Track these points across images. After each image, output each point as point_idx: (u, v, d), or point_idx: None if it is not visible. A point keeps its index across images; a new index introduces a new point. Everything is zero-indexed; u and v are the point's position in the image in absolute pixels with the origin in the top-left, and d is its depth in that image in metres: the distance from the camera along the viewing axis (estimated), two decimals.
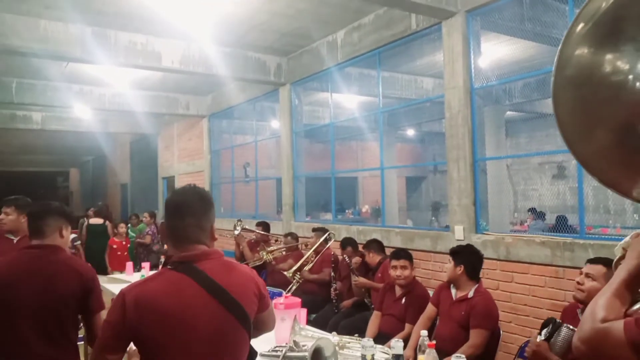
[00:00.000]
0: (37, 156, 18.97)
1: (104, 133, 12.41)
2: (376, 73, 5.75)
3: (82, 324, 2.31)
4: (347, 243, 4.97)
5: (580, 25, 0.96)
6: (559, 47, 0.99)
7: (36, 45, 5.24)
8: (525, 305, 3.88)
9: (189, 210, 1.65)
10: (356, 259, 4.67)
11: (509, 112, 8.70)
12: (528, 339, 3.28)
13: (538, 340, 2.48)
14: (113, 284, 4.86)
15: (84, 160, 21.10)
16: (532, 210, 9.33)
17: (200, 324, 1.56)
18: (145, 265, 5.60)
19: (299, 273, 4.46)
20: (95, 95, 8.46)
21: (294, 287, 4.25)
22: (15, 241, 3.53)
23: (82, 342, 2.30)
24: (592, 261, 2.74)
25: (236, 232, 5.88)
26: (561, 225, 5.86)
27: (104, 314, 2.04)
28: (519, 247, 3.94)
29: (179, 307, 1.54)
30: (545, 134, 10.69)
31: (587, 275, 2.68)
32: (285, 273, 4.60)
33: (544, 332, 2.50)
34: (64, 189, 24.53)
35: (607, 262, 2.66)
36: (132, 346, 1.63)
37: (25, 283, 2.14)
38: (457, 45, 4.47)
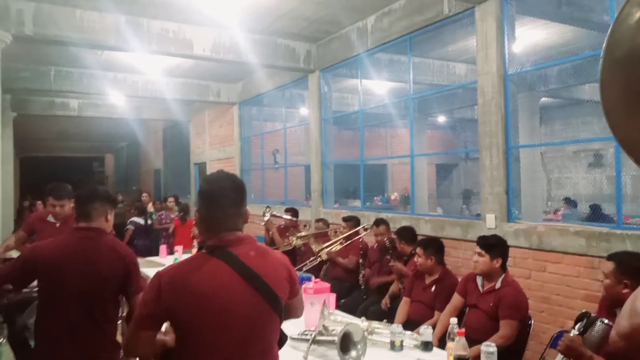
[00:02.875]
0: (74, 142, 19.54)
1: (137, 120, 12.68)
2: (407, 59, 5.67)
3: (120, 305, 2.41)
4: (381, 222, 4.98)
5: (636, 6, 0.94)
6: (610, 28, 0.96)
7: (73, 34, 5.37)
8: (558, 295, 3.82)
9: (226, 201, 1.68)
10: (389, 238, 4.70)
11: (543, 99, 8.47)
12: (560, 329, 3.24)
13: (572, 334, 2.44)
14: (147, 268, 5.01)
15: (118, 146, 21.63)
16: (567, 199, 9.10)
17: (233, 307, 1.60)
18: (179, 248, 5.75)
19: (325, 251, 4.54)
20: (129, 83, 8.64)
21: (316, 262, 4.36)
22: (58, 225, 3.68)
23: (120, 321, 2.40)
24: (607, 258, 2.71)
25: (265, 218, 5.96)
26: (597, 215, 5.70)
27: None
28: (552, 237, 3.86)
29: (212, 290, 1.59)
30: (581, 121, 10.38)
31: (603, 274, 2.66)
32: (312, 247, 4.68)
33: (577, 326, 2.47)
34: (99, 174, 25.25)
35: (619, 258, 2.61)
36: (166, 325, 1.69)
37: (72, 263, 2.25)
38: (490, 30, 4.37)
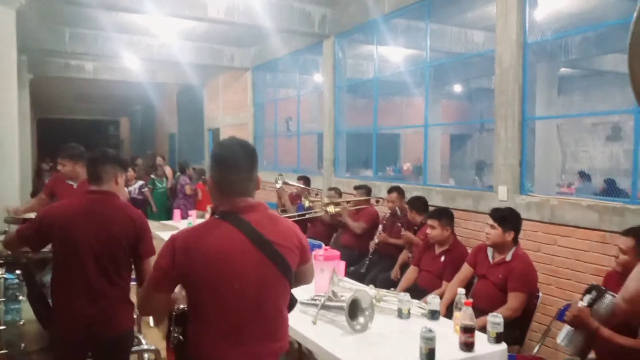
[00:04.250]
0: (90, 105, 19.61)
1: (152, 83, 12.65)
2: (424, 25, 5.54)
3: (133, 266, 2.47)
4: (394, 189, 5.00)
5: None
6: None
7: None
8: (567, 269, 3.82)
9: (237, 165, 1.70)
10: (401, 207, 4.72)
11: (563, 69, 8.26)
12: (568, 302, 3.26)
13: (580, 305, 2.46)
14: (162, 231, 5.11)
15: (133, 109, 21.69)
16: (581, 172, 8.99)
17: (243, 271, 1.64)
18: (192, 213, 5.84)
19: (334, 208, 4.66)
20: (144, 46, 8.59)
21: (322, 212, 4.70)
22: (75, 186, 3.76)
23: (135, 283, 2.46)
24: (624, 233, 2.68)
25: (277, 186, 5.99)
26: (611, 189, 5.64)
27: (153, 260, 2.17)
28: (565, 210, 3.84)
29: (224, 254, 1.63)
30: (601, 92, 10.11)
31: (620, 249, 2.63)
32: (321, 198, 4.79)
33: (586, 298, 2.48)
34: (115, 137, 25.44)
35: (638, 233, 2.58)
36: (178, 288, 1.74)
37: (84, 224, 2.30)
38: None
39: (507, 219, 3.28)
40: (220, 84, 11.59)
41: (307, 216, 5.45)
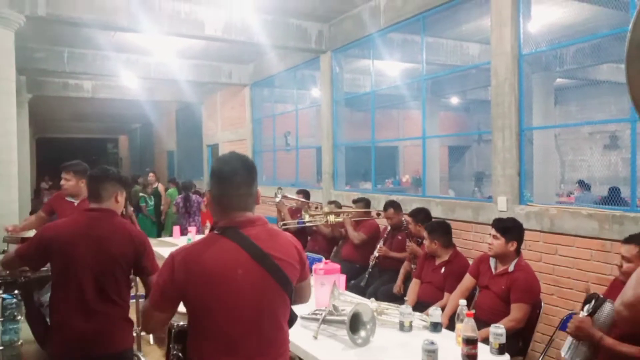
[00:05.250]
0: (88, 123, 19.71)
1: (150, 101, 12.73)
2: (420, 39, 5.60)
3: (133, 284, 2.46)
4: (390, 205, 4.99)
5: None
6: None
7: (85, 15, 5.37)
8: (569, 278, 3.81)
9: (236, 180, 1.69)
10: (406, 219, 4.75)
11: (558, 79, 8.32)
12: (570, 311, 3.24)
13: (581, 315, 2.45)
14: (162, 247, 5.09)
15: (132, 127, 21.77)
16: (580, 182, 9.00)
17: (243, 286, 1.62)
18: (192, 229, 5.83)
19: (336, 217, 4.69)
20: (142, 64, 8.66)
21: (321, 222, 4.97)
22: (76, 204, 3.75)
23: (134, 300, 2.44)
24: (626, 240, 2.66)
25: (277, 200, 5.99)
26: (612, 198, 5.64)
27: None
28: (565, 219, 3.83)
29: (224, 270, 1.62)
30: (597, 102, 10.17)
31: (623, 257, 2.61)
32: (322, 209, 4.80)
33: (586, 307, 2.47)
34: (113, 155, 25.50)
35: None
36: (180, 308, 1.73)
37: (83, 242, 2.29)
38: (505, 8, 4.28)
39: (510, 229, 3.27)
40: (218, 101, 11.66)
41: (307, 224, 5.42)
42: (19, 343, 3.39)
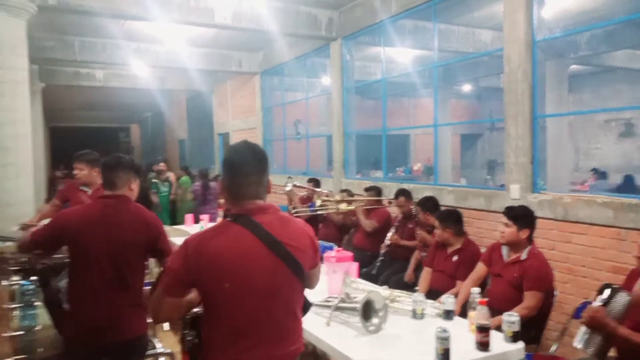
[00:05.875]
0: (100, 112, 19.81)
1: (161, 90, 12.76)
2: (432, 25, 5.53)
3: (147, 271, 2.48)
4: (401, 193, 4.98)
5: None
6: None
7: (95, 3, 5.38)
8: (583, 266, 3.78)
9: (248, 168, 1.70)
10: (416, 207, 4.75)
11: (572, 66, 8.20)
12: (585, 300, 3.22)
13: (594, 305, 2.43)
14: (173, 236, 5.12)
15: (143, 116, 21.85)
16: (595, 170, 8.89)
17: (256, 273, 1.63)
18: (204, 217, 5.87)
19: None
20: (152, 53, 8.66)
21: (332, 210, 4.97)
22: (89, 193, 3.79)
23: (149, 287, 2.46)
24: None
25: (287, 189, 6.00)
26: (628, 186, 5.56)
27: None
28: (579, 208, 3.80)
29: (237, 257, 1.62)
30: (612, 89, 10.02)
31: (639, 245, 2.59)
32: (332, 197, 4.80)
33: (600, 297, 2.45)
34: (125, 144, 25.64)
35: None
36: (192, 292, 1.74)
37: (98, 229, 2.32)
38: None
39: (522, 217, 3.25)
40: (228, 89, 11.65)
41: (318, 210, 5.43)
42: (37, 328, 3.44)
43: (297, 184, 6.16)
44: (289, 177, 6.03)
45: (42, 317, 3.34)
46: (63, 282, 2.80)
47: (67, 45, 8.13)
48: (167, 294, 1.68)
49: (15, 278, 3.37)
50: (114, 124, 24.24)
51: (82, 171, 3.75)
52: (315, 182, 6.49)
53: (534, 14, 4.19)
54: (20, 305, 3.35)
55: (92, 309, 2.30)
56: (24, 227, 3.88)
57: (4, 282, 3.48)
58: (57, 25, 7.41)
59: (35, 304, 3.44)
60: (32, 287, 3.41)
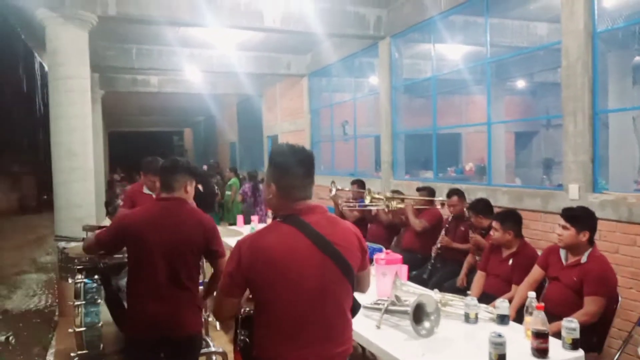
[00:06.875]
0: (155, 117, 20.63)
1: (212, 95, 13.13)
2: (483, 20, 5.37)
3: (201, 271, 2.56)
4: (454, 192, 4.87)
5: None
6: None
7: (152, 12, 5.61)
8: None
9: (298, 170, 1.73)
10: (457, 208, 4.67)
11: (637, 57, 7.73)
12: None
13: None
14: (227, 237, 5.24)
15: (196, 120, 22.55)
16: None
17: (307, 272, 1.65)
18: (255, 218, 5.97)
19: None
20: (204, 58, 8.92)
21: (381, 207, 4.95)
22: (154, 196, 3.94)
23: (202, 287, 2.54)
24: None
25: (332, 193, 5.98)
26: None
27: (225, 260, 2.24)
28: None
29: (288, 257, 1.65)
30: None
31: None
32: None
33: None
34: (179, 147, 26.56)
35: None
36: (247, 293, 1.78)
37: (156, 229, 2.42)
38: None
39: (580, 218, 3.09)
40: (277, 92, 11.82)
41: (368, 206, 5.39)
42: (100, 325, 3.62)
43: (340, 188, 6.09)
44: (332, 182, 6.01)
45: (104, 314, 3.50)
46: (123, 282, 2.93)
47: (125, 53, 8.52)
48: (225, 295, 1.75)
49: (79, 277, 3.56)
50: (168, 128, 25.14)
51: (155, 183, 3.74)
52: (360, 184, 6.41)
53: (594, 3, 3.99)
54: (83, 302, 3.54)
55: (151, 307, 2.39)
56: (89, 229, 4.09)
57: (70, 280, 3.69)
58: (116, 35, 7.77)
59: (98, 301, 3.62)
60: (94, 285, 3.59)
